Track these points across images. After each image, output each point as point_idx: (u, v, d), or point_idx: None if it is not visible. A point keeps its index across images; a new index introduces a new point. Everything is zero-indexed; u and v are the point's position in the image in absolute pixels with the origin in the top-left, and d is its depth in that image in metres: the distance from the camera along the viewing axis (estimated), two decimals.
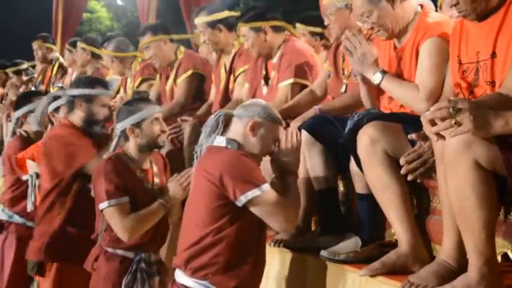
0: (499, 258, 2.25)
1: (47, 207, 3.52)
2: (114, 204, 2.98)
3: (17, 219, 4.22)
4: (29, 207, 3.86)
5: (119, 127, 3.14)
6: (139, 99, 3.25)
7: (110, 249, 3.07)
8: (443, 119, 1.97)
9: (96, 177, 3.06)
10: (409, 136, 2.49)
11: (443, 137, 2.03)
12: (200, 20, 4.44)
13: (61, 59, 6.78)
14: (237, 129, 2.66)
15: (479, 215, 2.11)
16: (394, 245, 2.68)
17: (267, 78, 4.01)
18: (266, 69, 4.01)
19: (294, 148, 2.69)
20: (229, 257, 2.54)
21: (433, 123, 2.02)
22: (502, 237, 2.26)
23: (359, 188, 2.86)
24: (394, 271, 2.54)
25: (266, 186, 2.53)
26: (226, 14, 4.44)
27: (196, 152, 2.74)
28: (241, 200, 2.50)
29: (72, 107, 3.58)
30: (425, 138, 2.38)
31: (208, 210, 2.55)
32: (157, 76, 4.93)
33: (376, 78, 2.88)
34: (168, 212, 3.15)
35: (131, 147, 3.12)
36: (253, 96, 4.05)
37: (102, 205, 3.00)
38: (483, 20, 2.51)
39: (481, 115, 1.96)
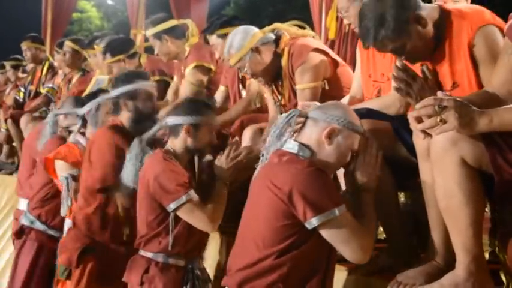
0: (487, 256, 2.25)
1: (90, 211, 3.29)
2: (191, 197, 2.79)
3: (38, 225, 4.02)
4: (64, 212, 3.59)
5: (172, 120, 2.94)
6: (205, 102, 3.08)
7: (160, 259, 2.85)
8: (429, 117, 1.98)
9: (157, 176, 2.81)
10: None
11: (429, 135, 2.03)
12: (148, 32, 4.41)
13: (51, 60, 6.75)
14: (311, 134, 2.31)
15: (466, 212, 2.11)
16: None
17: (243, 82, 4.02)
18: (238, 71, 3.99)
19: (373, 162, 2.36)
20: (290, 285, 2.20)
21: (419, 120, 2.02)
22: (489, 235, 2.26)
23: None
24: None
25: (342, 209, 2.18)
26: (172, 23, 4.41)
27: (262, 155, 2.41)
28: (312, 222, 2.16)
29: (117, 108, 3.37)
30: None
31: (272, 229, 2.21)
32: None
33: None
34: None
35: (178, 145, 2.94)
36: (234, 100, 4.05)
37: (178, 202, 2.77)
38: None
39: (466, 113, 1.97)
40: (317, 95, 3.41)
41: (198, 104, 2.99)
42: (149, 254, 2.87)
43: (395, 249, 2.64)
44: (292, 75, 3.48)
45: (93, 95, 3.82)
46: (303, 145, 2.29)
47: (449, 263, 2.25)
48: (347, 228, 2.17)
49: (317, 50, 3.45)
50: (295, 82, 3.47)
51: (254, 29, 3.55)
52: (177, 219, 2.82)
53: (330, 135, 2.28)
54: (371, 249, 2.25)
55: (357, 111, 2.76)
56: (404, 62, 2.44)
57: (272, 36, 3.54)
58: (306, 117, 2.34)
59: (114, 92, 3.36)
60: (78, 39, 6.25)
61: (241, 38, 3.48)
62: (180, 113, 2.94)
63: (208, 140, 2.95)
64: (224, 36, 3.88)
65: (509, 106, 2.05)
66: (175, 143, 2.93)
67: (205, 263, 3.15)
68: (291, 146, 2.30)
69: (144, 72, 3.69)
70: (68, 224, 3.55)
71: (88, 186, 3.29)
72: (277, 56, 3.51)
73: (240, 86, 4.03)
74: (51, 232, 3.93)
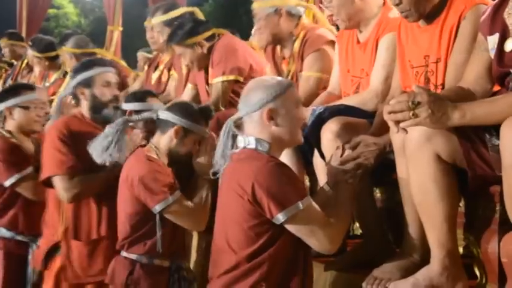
0: (461, 250, 2.27)
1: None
2: (178, 198, 2.74)
3: (4, 233, 3.68)
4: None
5: (164, 114, 2.84)
6: (202, 112, 2.93)
7: (145, 260, 2.79)
8: (402, 111, 1.99)
9: (142, 177, 2.73)
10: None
11: (405, 130, 2.04)
12: (157, 19, 4.39)
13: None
14: (255, 129, 2.28)
15: (440, 207, 2.13)
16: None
17: (207, 81, 3.97)
18: (206, 72, 3.96)
19: (355, 156, 2.36)
20: (272, 282, 2.19)
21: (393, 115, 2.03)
22: (464, 229, 2.28)
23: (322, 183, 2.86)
24: None
25: (306, 201, 2.17)
26: (182, 10, 4.40)
27: (217, 173, 2.37)
28: (279, 218, 2.15)
29: (77, 98, 3.26)
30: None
31: (243, 231, 2.19)
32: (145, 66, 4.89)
33: None
34: None
35: (163, 143, 2.84)
36: (200, 102, 3.96)
37: (164, 203, 2.71)
38: (427, 24, 2.54)
39: (438, 108, 1.98)
40: (320, 86, 3.43)
41: (199, 112, 2.90)
42: (133, 256, 2.80)
43: (371, 245, 2.65)
44: (301, 60, 3.49)
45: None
46: (259, 139, 2.25)
47: (425, 258, 2.26)
48: (312, 220, 2.17)
49: (332, 43, 3.43)
50: (302, 68, 3.48)
51: None
52: (163, 220, 2.76)
53: (271, 116, 2.25)
54: (339, 240, 2.25)
55: (335, 108, 2.77)
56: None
57: (300, 11, 3.56)
58: (240, 119, 2.31)
59: (72, 83, 3.28)
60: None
61: None
62: (177, 112, 2.84)
63: (190, 149, 2.87)
64: (191, 46, 3.83)
65: (482, 100, 2.08)
66: (161, 140, 2.85)
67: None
68: (247, 142, 2.27)
69: (101, 59, 3.60)
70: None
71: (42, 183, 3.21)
72: (291, 36, 3.53)
73: (207, 86, 3.97)
74: (19, 238, 3.67)
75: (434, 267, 2.16)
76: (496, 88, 2.24)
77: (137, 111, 3.06)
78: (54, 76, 5.84)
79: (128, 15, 4.88)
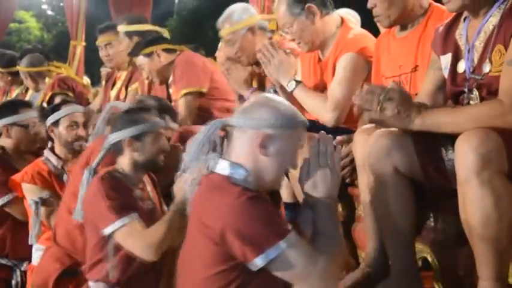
0: (419, 263, 2.30)
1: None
2: (128, 222, 2.51)
3: None
4: (33, 240, 3.19)
5: (112, 138, 2.70)
6: (142, 108, 2.82)
7: (101, 287, 2.60)
8: (371, 102, 2.03)
9: (91, 199, 2.59)
10: (334, 142, 2.54)
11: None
12: (121, 28, 4.44)
13: None
14: (242, 147, 1.91)
15: (399, 220, 2.15)
16: None
17: (169, 98, 4.02)
18: (167, 89, 4.02)
19: (332, 162, 1.93)
20: None
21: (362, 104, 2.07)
22: (422, 242, 2.31)
23: (286, 198, 2.88)
24: None
25: (290, 239, 1.80)
26: (149, 27, 4.45)
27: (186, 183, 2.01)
28: (256, 263, 1.80)
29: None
30: (349, 142, 2.43)
31: (207, 278, 1.85)
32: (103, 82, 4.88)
33: (290, 86, 2.94)
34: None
35: (125, 163, 2.68)
36: None
37: (112, 227, 2.51)
38: (404, 34, 2.60)
39: (405, 109, 2.04)
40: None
41: (134, 113, 2.74)
42: (90, 283, 2.63)
43: None
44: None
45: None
46: (235, 164, 1.90)
47: (385, 271, 2.28)
48: (300, 262, 1.81)
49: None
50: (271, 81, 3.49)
51: (254, 10, 3.58)
52: (118, 244, 2.57)
53: (264, 144, 1.90)
54: (336, 275, 1.93)
55: None
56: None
57: (267, 25, 3.57)
58: (231, 127, 1.96)
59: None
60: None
61: (241, 12, 3.50)
62: (118, 127, 2.69)
63: (157, 148, 2.69)
64: (150, 55, 3.89)
65: (444, 109, 2.11)
66: (122, 162, 2.69)
67: None
68: (222, 167, 1.91)
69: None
70: (38, 249, 3.25)
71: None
72: None
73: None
74: (3, 261, 3.54)
75: (393, 280, 2.18)
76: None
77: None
78: (16, 91, 5.77)
79: (92, 29, 4.84)
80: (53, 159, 3.37)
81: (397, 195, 2.15)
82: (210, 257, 1.85)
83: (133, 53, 4.01)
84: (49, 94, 4.85)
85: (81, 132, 3.36)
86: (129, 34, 4.38)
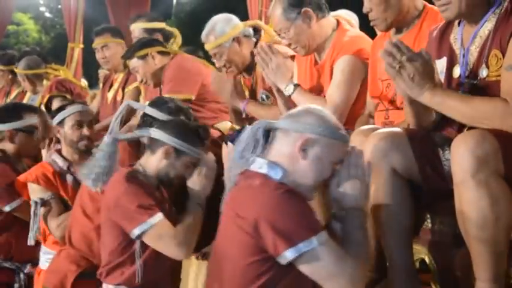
0: (417, 264, 2.31)
1: None
2: (158, 221, 2.45)
3: None
4: (31, 241, 3.16)
5: (156, 134, 2.61)
6: (198, 128, 2.69)
7: None
8: (394, 56, 2.00)
9: (119, 198, 2.50)
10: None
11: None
12: (139, 25, 4.42)
13: None
14: (282, 148, 1.95)
15: (397, 221, 2.15)
16: None
17: None
18: (161, 92, 3.97)
19: (361, 174, 1.97)
20: None
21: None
22: (420, 244, 2.32)
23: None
24: None
25: (322, 237, 1.83)
26: (162, 25, 4.46)
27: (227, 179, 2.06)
28: (286, 256, 1.81)
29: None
30: None
31: (239, 269, 1.88)
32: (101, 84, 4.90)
33: (288, 89, 2.94)
34: None
35: (152, 165, 2.61)
36: None
37: (142, 227, 2.45)
38: (399, 36, 2.61)
39: (421, 78, 2.01)
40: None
41: (193, 132, 2.65)
42: (110, 286, 2.55)
43: None
44: (262, 79, 3.46)
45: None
46: (273, 163, 1.94)
47: (381, 272, 2.28)
48: (330, 261, 1.82)
49: (293, 58, 3.39)
50: (264, 86, 3.48)
51: (236, 18, 3.54)
52: (144, 246, 2.50)
53: (304, 148, 1.93)
54: (363, 282, 1.90)
55: None
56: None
57: (252, 31, 3.54)
58: (275, 129, 1.99)
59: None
60: (11, 56, 6.07)
61: (224, 24, 3.47)
62: (170, 130, 2.61)
63: (182, 173, 2.64)
64: (144, 57, 3.87)
65: (456, 93, 2.09)
66: (148, 161, 2.62)
67: None
68: (259, 166, 1.94)
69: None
70: (46, 252, 3.21)
71: None
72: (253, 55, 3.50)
73: None
74: (6, 265, 3.43)
75: (390, 282, 2.18)
76: None
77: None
78: (15, 92, 5.80)
79: (90, 32, 4.85)
80: (59, 161, 3.32)
81: (394, 196, 2.15)
82: (243, 249, 1.87)
83: (127, 55, 3.97)
84: (47, 96, 4.84)
85: (86, 131, 3.29)
86: (149, 31, 4.37)
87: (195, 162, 2.63)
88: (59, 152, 3.35)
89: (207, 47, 3.53)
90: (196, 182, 2.62)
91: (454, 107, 2.02)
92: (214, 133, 3.53)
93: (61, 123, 3.32)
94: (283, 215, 1.83)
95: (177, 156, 2.59)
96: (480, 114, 1.96)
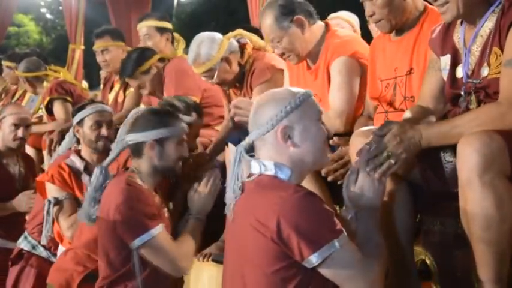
0: (418, 266, 2.30)
1: None
2: (158, 233, 2.37)
3: (41, 251, 3.54)
4: (44, 240, 3.18)
5: (131, 138, 2.58)
6: (167, 111, 2.71)
7: None
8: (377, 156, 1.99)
9: (118, 206, 2.39)
10: (330, 142, 2.56)
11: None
12: (150, 23, 4.37)
13: None
14: (269, 152, 1.92)
15: (397, 223, 2.15)
16: None
17: None
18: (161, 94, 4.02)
19: (381, 173, 1.94)
20: None
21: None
22: (420, 245, 2.31)
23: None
24: None
25: (343, 239, 1.79)
26: (170, 26, 4.45)
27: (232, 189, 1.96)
28: (311, 261, 1.78)
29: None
30: (346, 143, 2.42)
31: (265, 277, 1.82)
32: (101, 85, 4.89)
33: None
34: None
35: (144, 167, 2.57)
36: None
37: (142, 238, 2.36)
38: (399, 37, 2.60)
39: (405, 137, 1.99)
40: None
41: (159, 115, 2.63)
42: None
43: None
44: (250, 90, 3.46)
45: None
46: (279, 164, 1.90)
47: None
48: (352, 262, 1.80)
49: (281, 71, 3.40)
50: (250, 96, 3.45)
51: (219, 37, 3.48)
52: (145, 259, 2.41)
53: (286, 135, 1.90)
54: (382, 283, 1.86)
55: None
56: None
57: (236, 44, 3.51)
58: (251, 143, 1.96)
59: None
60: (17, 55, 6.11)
61: (208, 48, 3.41)
62: (140, 128, 2.57)
63: (178, 155, 2.59)
64: (148, 71, 3.87)
65: (441, 121, 2.09)
66: (140, 164, 2.57)
67: None
68: (265, 167, 1.91)
69: None
70: (62, 251, 3.16)
71: None
72: (242, 66, 3.49)
73: None
74: (53, 260, 3.39)
75: (392, 283, 2.18)
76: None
77: None
78: (20, 91, 5.87)
79: (91, 33, 4.85)
80: (77, 161, 3.31)
81: (395, 197, 2.14)
82: (267, 256, 1.82)
83: (126, 73, 3.91)
84: (47, 99, 4.85)
85: (104, 131, 3.26)
86: (160, 30, 4.33)
87: (181, 139, 2.60)
88: (77, 152, 3.35)
89: (196, 71, 3.50)
90: (198, 198, 2.59)
91: (451, 131, 1.98)
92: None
93: (80, 122, 3.29)
94: (305, 218, 1.79)
95: (161, 145, 2.56)
96: (479, 122, 1.94)
